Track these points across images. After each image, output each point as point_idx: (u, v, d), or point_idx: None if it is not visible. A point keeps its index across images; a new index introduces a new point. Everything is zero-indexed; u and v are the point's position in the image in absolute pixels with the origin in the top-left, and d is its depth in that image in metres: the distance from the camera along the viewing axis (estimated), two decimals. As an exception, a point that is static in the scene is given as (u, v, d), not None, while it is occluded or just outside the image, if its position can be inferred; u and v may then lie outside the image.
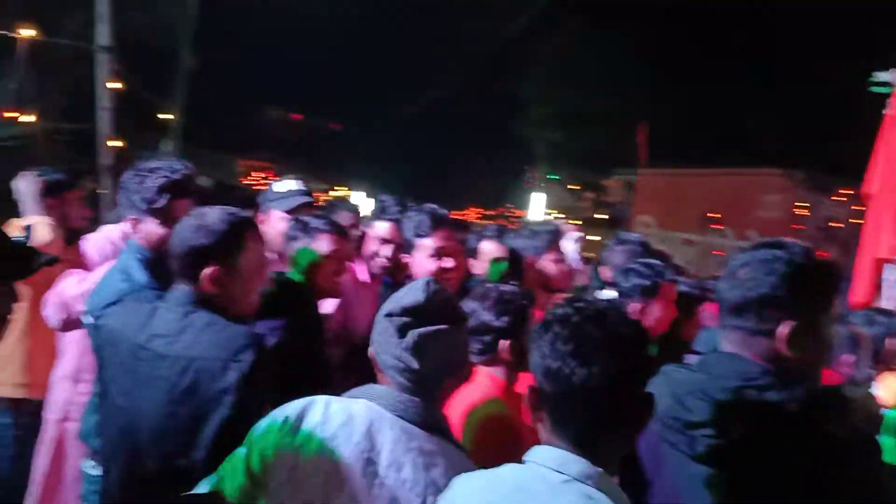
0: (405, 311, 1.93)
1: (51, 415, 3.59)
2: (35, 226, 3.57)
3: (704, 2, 26.27)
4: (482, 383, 2.74)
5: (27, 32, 6.32)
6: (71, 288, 3.05)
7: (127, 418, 2.38)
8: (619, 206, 22.21)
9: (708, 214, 15.92)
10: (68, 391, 3.50)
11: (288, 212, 3.37)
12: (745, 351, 1.79)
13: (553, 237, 3.69)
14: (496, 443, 2.15)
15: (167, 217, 2.86)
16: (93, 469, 3.02)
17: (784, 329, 1.69)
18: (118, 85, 6.54)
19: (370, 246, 3.68)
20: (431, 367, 1.88)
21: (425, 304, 1.93)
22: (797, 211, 14.27)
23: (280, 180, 3.52)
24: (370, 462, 1.74)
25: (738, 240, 15.27)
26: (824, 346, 1.76)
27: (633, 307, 3.35)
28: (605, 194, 25.69)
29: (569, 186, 26.30)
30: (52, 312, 3.20)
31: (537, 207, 28.52)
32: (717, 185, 16.40)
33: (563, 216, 25.08)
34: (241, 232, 2.32)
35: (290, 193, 3.45)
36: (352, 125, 44.62)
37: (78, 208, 3.81)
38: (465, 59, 24.19)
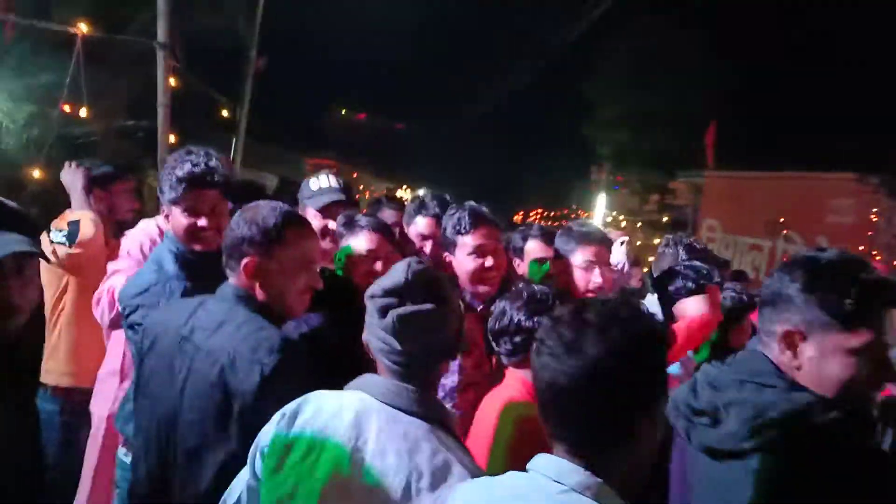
0: (386, 293, 1.95)
1: (98, 410, 3.71)
2: (80, 220, 3.69)
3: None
4: (512, 385, 2.73)
5: (86, 28, 6.47)
6: (120, 286, 3.14)
7: (162, 408, 2.43)
8: (685, 210, 21.76)
9: (776, 219, 15.46)
10: (114, 387, 3.61)
11: (321, 209, 3.40)
12: (768, 351, 1.76)
13: (583, 240, 3.59)
14: (529, 444, 2.15)
15: (191, 208, 2.92)
16: (125, 456, 3.11)
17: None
18: (174, 82, 6.68)
19: (411, 242, 3.69)
20: (415, 348, 1.88)
21: (406, 285, 1.94)
22: (870, 217, 13.72)
23: (316, 177, 3.53)
24: (357, 450, 1.75)
25: (807, 246, 14.81)
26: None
27: (677, 309, 3.28)
28: (672, 197, 25.23)
29: (634, 188, 25.87)
30: (102, 311, 3.30)
31: (601, 209, 28.19)
32: (786, 189, 15.92)
33: (628, 219, 24.73)
34: (283, 225, 2.36)
35: (321, 191, 3.47)
36: (417, 124, 44.88)
37: (125, 200, 3.93)
38: (531, 58, 24.05)
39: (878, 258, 13.23)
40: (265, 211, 2.42)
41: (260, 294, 2.41)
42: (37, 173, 6.43)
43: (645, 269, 8.24)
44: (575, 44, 20.14)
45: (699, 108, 22.74)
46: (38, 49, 9.82)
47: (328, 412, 1.84)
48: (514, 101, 35.06)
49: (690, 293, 3.35)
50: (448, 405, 2.90)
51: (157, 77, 6.73)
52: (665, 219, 23.46)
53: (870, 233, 13.92)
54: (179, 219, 2.97)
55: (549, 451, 1.56)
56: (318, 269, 2.57)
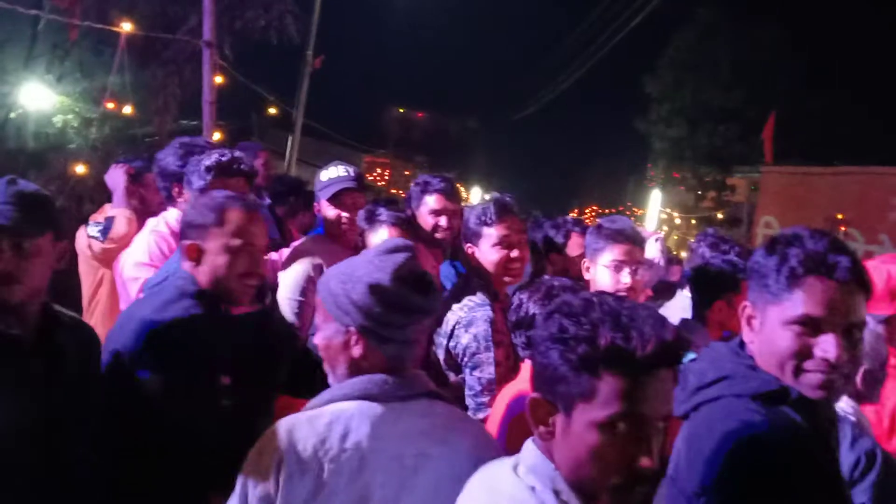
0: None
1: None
2: (115, 217, 3.85)
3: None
4: (526, 379, 2.74)
5: (130, 27, 6.71)
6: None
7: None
8: (741, 206, 21.34)
9: (836, 216, 15.04)
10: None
11: (331, 198, 3.47)
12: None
13: (612, 239, 3.43)
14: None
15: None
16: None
17: None
18: (220, 80, 6.88)
19: (425, 223, 3.70)
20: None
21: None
22: (933, 213, 13.28)
23: (327, 168, 3.59)
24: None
25: (868, 243, 14.39)
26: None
27: (717, 304, 3.24)
28: (729, 193, 24.78)
29: (689, 184, 25.47)
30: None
31: (655, 205, 27.82)
32: (845, 185, 15.45)
33: (682, 215, 24.38)
34: (223, 210, 2.38)
35: (331, 182, 3.52)
36: (474, 122, 44.98)
37: (158, 193, 4.03)
38: (588, 54, 23.90)
39: (940, 256, 12.83)
40: (210, 196, 2.48)
41: (202, 279, 2.40)
42: (81, 168, 6.68)
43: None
44: (631, 39, 19.94)
45: (757, 103, 22.32)
46: (99, 49, 10.25)
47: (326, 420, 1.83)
48: (571, 98, 34.90)
49: (724, 289, 3.28)
50: (485, 399, 2.92)
51: (203, 75, 6.92)
52: (720, 215, 23.06)
53: (931, 229, 13.48)
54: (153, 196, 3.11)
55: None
56: (261, 255, 2.49)
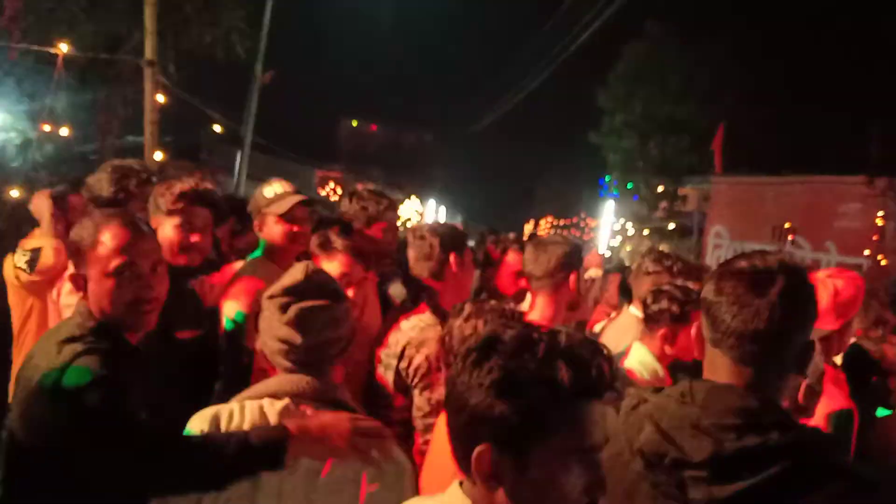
0: (286, 291, 2.04)
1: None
2: (42, 248, 3.70)
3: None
4: None
5: (67, 48, 6.55)
6: None
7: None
8: (693, 216, 21.65)
9: (783, 224, 15.35)
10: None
11: (284, 214, 3.39)
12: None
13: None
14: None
15: (187, 222, 3.08)
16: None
17: None
18: (163, 99, 6.76)
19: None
20: (314, 342, 1.98)
21: (304, 284, 2.05)
22: (876, 221, 13.58)
23: (267, 185, 3.51)
24: None
25: (815, 250, 14.69)
26: None
27: (660, 333, 3.20)
28: (681, 203, 25.16)
29: (642, 195, 25.82)
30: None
31: (609, 216, 28.15)
32: (793, 193, 15.79)
33: (636, 226, 24.66)
34: (96, 230, 2.12)
35: (279, 197, 3.43)
36: (428, 136, 45.05)
37: (81, 215, 3.87)
38: (540, 68, 24.12)
39: (884, 263, 13.11)
40: (89, 218, 2.23)
41: (94, 310, 2.14)
42: (15, 192, 6.45)
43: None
44: (583, 53, 20.19)
45: (706, 115, 22.73)
46: (40, 69, 10.00)
47: (249, 420, 1.98)
48: (526, 110, 35.17)
49: (675, 317, 3.24)
50: (433, 420, 2.84)
51: (145, 95, 6.78)
52: (672, 226, 23.37)
53: (875, 237, 13.77)
54: (170, 232, 3.00)
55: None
56: (150, 278, 2.17)
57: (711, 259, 16.33)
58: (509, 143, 40.57)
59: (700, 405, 1.60)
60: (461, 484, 1.41)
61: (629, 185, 26.69)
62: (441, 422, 2.69)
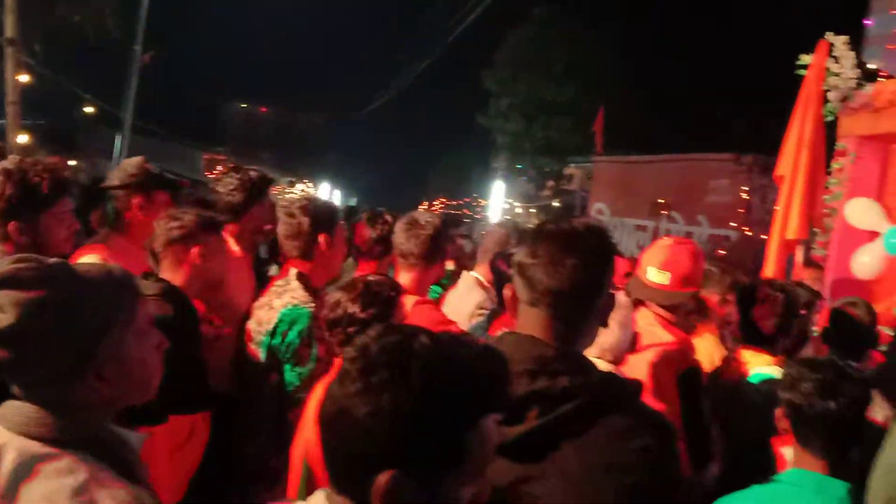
0: None
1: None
2: None
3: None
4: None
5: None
6: None
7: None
8: (576, 194, 22.42)
9: (658, 200, 16.12)
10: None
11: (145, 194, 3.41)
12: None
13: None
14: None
15: (63, 213, 2.92)
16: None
17: None
18: (26, 78, 6.52)
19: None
20: None
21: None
22: (743, 195, 14.51)
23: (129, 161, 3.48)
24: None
25: (688, 224, 15.51)
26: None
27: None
28: (566, 182, 25.92)
29: (530, 175, 26.48)
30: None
31: (499, 196, 28.75)
32: (668, 171, 16.62)
33: (524, 205, 25.28)
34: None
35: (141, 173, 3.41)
36: (319, 118, 44.45)
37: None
38: (430, 50, 24.26)
39: (749, 234, 14.02)
40: None
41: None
42: None
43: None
44: (470, 36, 20.45)
45: (588, 97, 23.47)
46: None
47: None
48: (417, 93, 35.27)
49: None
50: (303, 395, 2.82)
51: (6, 74, 6.50)
52: (557, 203, 24.10)
53: (742, 210, 14.67)
54: (57, 228, 2.85)
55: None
56: None
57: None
58: (403, 126, 40.63)
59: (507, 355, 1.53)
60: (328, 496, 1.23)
61: (519, 166, 27.29)
62: (313, 396, 2.70)
